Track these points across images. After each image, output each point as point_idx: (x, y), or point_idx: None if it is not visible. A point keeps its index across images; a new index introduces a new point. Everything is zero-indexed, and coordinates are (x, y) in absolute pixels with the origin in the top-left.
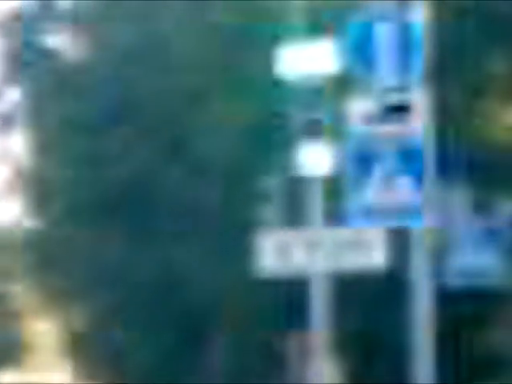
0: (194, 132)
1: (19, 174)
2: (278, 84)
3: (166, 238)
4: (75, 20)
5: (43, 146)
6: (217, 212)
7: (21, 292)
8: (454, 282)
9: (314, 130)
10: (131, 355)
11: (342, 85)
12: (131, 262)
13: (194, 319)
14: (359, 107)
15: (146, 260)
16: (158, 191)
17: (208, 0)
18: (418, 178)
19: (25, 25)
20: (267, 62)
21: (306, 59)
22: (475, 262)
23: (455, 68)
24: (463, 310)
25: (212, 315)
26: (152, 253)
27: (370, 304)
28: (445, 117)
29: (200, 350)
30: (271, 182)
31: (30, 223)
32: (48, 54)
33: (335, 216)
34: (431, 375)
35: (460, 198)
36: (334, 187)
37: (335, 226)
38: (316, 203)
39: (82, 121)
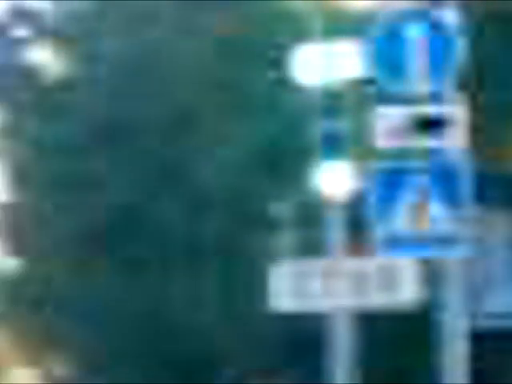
0: (189, 153)
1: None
2: (288, 94)
3: (158, 272)
4: (57, 34)
5: (20, 171)
6: (217, 243)
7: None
8: (490, 322)
9: (332, 147)
10: None
11: (367, 93)
12: (118, 297)
13: (192, 365)
14: (386, 119)
15: (134, 296)
16: (149, 220)
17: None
18: (455, 202)
19: (5, 39)
20: (268, 76)
21: (325, 64)
22: None
23: (493, 76)
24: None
25: (217, 360)
26: (147, 290)
27: (396, 344)
28: (482, 132)
29: None
30: (282, 208)
31: (7, 264)
32: (29, 70)
33: (358, 245)
34: None
35: (500, 227)
36: (356, 213)
37: (358, 256)
38: (336, 230)
39: (64, 141)
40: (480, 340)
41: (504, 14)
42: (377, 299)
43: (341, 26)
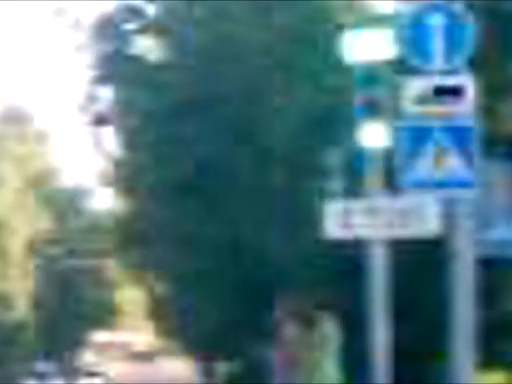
0: (257, 118)
1: (111, 163)
2: (341, 69)
3: (239, 210)
4: (157, 26)
5: (131, 137)
6: (283, 186)
7: (113, 265)
8: (492, 252)
9: (373, 109)
10: (201, 315)
11: (398, 69)
12: (208, 229)
13: (261, 282)
14: (413, 88)
15: (220, 230)
16: (230, 170)
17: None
18: (467, 154)
19: (116, 28)
20: (323, 56)
21: (367, 46)
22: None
23: (499, 55)
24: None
25: (281, 277)
26: (225, 223)
27: (418, 268)
28: (489, 100)
29: (265, 311)
30: (333, 159)
31: (119, 207)
32: (135, 56)
33: (392, 186)
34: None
35: (500, 175)
36: (391, 160)
37: (392, 195)
38: (375, 174)
39: (163, 111)
40: (485, 265)
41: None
42: (405, 231)
43: (377, 17)
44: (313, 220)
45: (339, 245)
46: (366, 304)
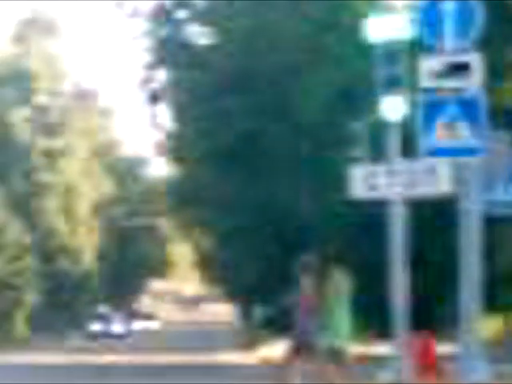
0: (291, 94)
1: (164, 135)
2: (363, 51)
3: (273, 176)
4: (206, 16)
5: (181, 112)
6: (312, 154)
7: (166, 224)
8: (496, 211)
9: (393, 84)
10: (241, 266)
11: (415, 48)
12: (248, 191)
13: (291, 237)
14: (428, 65)
15: (257, 193)
16: (265, 141)
17: None
18: (475, 124)
19: (168, 17)
20: (347, 39)
21: (387, 29)
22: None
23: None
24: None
25: (308, 233)
26: (261, 187)
27: (431, 224)
28: (492, 76)
29: (293, 262)
30: (358, 128)
31: (171, 172)
32: (184, 41)
33: (409, 153)
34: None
35: (502, 143)
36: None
37: (410, 159)
38: (395, 142)
39: (208, 90)
40: (490, 222)
41: None
42: (421, 191)
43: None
44: (338, 184)
45: (361, 204)
46: (386, 255)
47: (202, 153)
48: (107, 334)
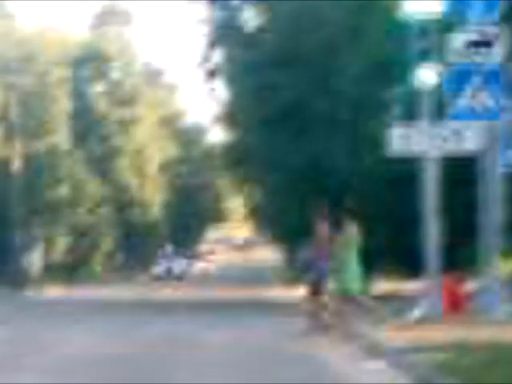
0: (331, 69)
1: (222, 106)
2: (398, 27)
3: (315, 138)
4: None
5: (234, 85)
6: (351, 119)
7: (222, 181)
8: None
9: (425, 56)
10: (285, 217)
11: (446, 23)
12: (293, 152)
13: (330, 191)
14: (456, 39)
15: (300, 153)
16: (309, 109)
17: None
18: (497, 91)
19: (222, 2)
20: (384, 19)
21: (421, 4)
22: None
23: None
24: None
25: (346, 187)
26: (304, 148)
27: (458, 179)
28: None
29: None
30: (393, 96)
31: (226, 137)
32: (238, 23)
33: (440, 117)
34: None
35: None
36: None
37: (442, 122)
38: (427, 106)
39: (258, 65)
40: (509, 178)
41: None
42: (451, 148)
43: None
44: (372, 144)
45: (393, 162)
46: (416, 207)
47: (253, 120)
48: (170, 275)
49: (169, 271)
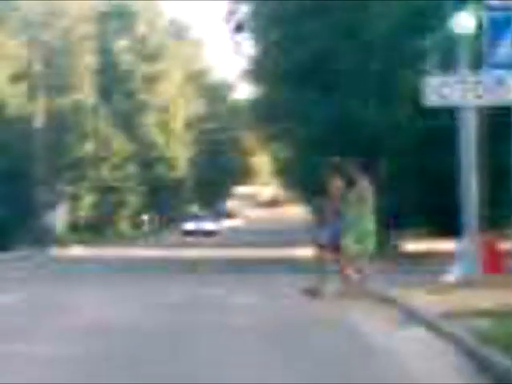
0: (364, 18)
1: (249, 61)
2: None
3: (345, 90)
4: None
5: (261, 38)
6: (382, 70)
7: (248, 137)
8: None
9: (464, 3)
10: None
11: None
12: (322, 106)
13: (363, 146)
14: None
15: (329, 106)
16: (338, 60)
17: None
18: None
19: None
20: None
21: None
22: None
23: None
24: None
25: (381, 141)
26: (334, 101)
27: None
28: None
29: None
30: (430, 42)
31: (253, 93)
32: None
33: (478, 65)
34: None
35: None
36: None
37: (479, 72)
38: (465, 54)
39: (286, 16)
40: None
41: None
42: (490, 99)
43: None
44: (406, 96)
45: (428, 115)
46: (453, 162)
47: (281, 72)
48: (199, 232)
49: (198, 229)
